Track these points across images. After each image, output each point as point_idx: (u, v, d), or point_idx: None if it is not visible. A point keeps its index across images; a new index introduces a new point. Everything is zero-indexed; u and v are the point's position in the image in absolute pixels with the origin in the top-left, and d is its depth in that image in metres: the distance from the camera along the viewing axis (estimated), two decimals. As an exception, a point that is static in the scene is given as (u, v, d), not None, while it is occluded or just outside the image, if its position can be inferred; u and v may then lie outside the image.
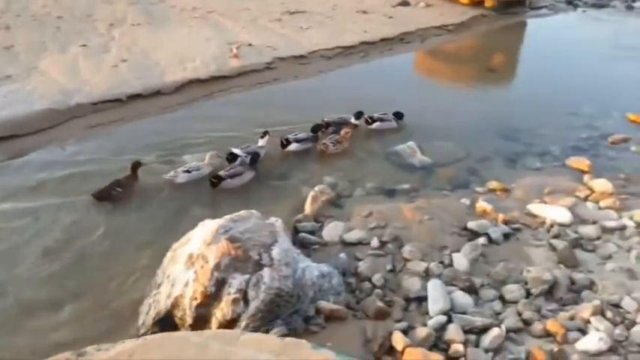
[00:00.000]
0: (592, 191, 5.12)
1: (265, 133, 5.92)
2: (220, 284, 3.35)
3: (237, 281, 3.35)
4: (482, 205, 4.83)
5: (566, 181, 5.39)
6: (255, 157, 5.57)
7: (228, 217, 3.89)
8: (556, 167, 5.78)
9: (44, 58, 7.96)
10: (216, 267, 3.38)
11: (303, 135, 6.11)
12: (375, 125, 6.59)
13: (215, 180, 5.21)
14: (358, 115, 6.61)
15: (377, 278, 3.81)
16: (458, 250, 4.18)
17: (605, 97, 7.67)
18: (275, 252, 3.57)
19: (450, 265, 4.01)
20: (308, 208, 4.83)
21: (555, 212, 4.69)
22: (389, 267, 3.98)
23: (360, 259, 4.08)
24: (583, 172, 5.59)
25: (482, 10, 11.89)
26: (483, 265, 4.05)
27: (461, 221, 4.63)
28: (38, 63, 7.75)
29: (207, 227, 3.76)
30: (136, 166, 5.22)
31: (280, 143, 5.99)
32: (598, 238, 4.35)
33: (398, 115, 6.73)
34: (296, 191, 5.33)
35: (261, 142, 5.88)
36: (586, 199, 5.03)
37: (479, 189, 5.26)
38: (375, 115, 6.63)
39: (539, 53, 9.93)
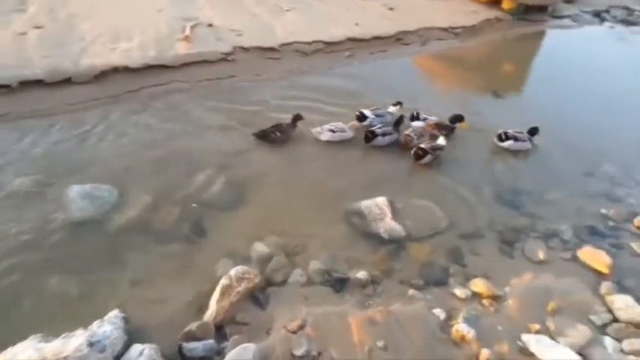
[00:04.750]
0: (613, 316, 3.73)
1: (398, 103, 5.94)
2: None
3: None
4: (460, 329, 3.41)
5: (578, 289, 3.98)
6: (399, 120, 5.64)
7: (50, 357, 2.40)
8: (565, 261, 4.33)
9: None
10: None
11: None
12: (507, 144, 5.69)
13: (370, 134, 5.39)
14: (455, 119, 5.84)
15: None
16: None
17: (630, 151, 6.15)
18: None
19: None
20: (213, 307, 3.34)
21: (559, 355, 3.30)
22: None
23: None
24: (600, 274, 4.18)
25: (498, 13, 10.15)
26: None
27: (427, 353, 3.22)
28: None
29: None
30: (297, 118, 5.42)
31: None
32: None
33: (532, 132, 5.83)
34: (213, 259, 3.88)
35: (392, 109, 5.90)
36: (605, 328, 3.64)
37: (459, 291, 3.80)
38: (510, 130, 5.72)
39: (557, 79, 8.29)
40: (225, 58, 6.64)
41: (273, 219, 4.34)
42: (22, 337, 2.90)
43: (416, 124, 5.85)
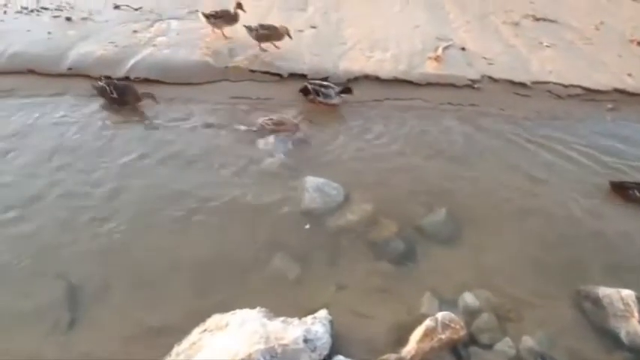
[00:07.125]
0: None
1: None
2: None
3: None
4: None
5: None
6: None
7: (273, 338, 2.56)
8: None
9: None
10: None
11: None
12: None
13: None
14: None
15: None
16: None
17: None
18: None
19: None
20: (412, 345, 3.18)
21: None
22: None
23: None
24: None
25: None
26: None
27: None
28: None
29: (236, 344, 2.51)
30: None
31: None
32: None
33: None
34: (419, 292, 3.71)
35: None
36: None
37: None
38: None
39: None
40: (471, 85, 6.38)
41: (489, 270, 3.96)
42: (244, 304, 3.19)
43: None
